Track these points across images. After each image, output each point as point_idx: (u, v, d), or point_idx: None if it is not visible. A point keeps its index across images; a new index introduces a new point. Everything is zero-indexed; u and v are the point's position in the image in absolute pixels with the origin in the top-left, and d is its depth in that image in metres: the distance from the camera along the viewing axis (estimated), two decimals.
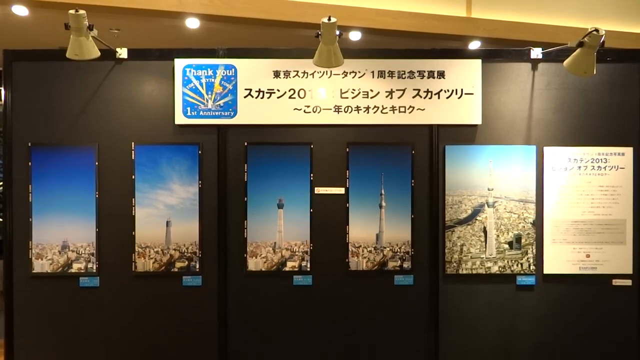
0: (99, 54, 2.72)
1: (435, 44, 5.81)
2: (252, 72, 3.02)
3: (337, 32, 2.58)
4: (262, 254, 3.00)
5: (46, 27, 5.02)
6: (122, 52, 3.02)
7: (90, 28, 2.64)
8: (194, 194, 3.00)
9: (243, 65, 3.02)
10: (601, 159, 3.04)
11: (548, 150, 3.05)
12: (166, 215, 3.00)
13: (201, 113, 3.01)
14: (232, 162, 3.03)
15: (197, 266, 3.00)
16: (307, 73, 3.03)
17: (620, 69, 3.10)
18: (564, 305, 3.04)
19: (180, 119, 3.00)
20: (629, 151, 3.05)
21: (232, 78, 3.02)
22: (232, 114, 3.01)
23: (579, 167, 3.04)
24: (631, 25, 6.73)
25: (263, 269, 3.01)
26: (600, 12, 6.61)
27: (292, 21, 4.58)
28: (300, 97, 3.03)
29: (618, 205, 3.03)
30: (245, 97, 3.01)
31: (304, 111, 3.02)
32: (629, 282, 3.01)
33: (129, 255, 2.99)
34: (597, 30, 2.60)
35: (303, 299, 3.02)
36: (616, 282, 3.02)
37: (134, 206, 2.99)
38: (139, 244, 2.99)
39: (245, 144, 3.02)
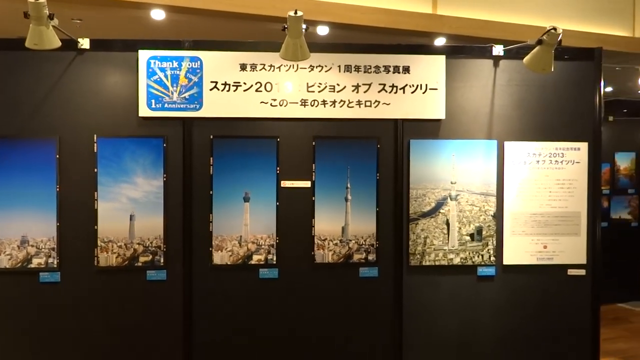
0: (59, 43, 2.65)
1: (402, 40, 5.88)
2: (218, 64, 3.00)
3: (304, 26, 2.58)
4: (228, 247, 3.00)
5: (5, 15, 4.85)
6: (84, 43, 2.95)
7: (50, 17, 2.57)
8: (158, 188, 2.97)
9: (209, 58, 3.00)
10: (558, 154, 3.15)
11: (508, 145, 3.14)
12: (130, 209, 2.96)
13: (166, 105, 2.97)
14: (197, 155, 3.00)
15: (162, 260, 2.98)
16: (274, 66, 3.03)
17: (578, 67, 3.21)
18: (522, 294, 3.14)
19: (144, 111, 2.96)
20: (584, 146, 3.17)
21: (198, 70, 2.99)
22: (198, 106, 2.99)
23: (538, 161, 3.14)
24: (590, 26, 6.94)
25: (229, 263, 3.00)
26: (562, 12, 6.81)
27: (260, 14, 4.56)
28: (267, 91, 3.03)
29: (573, 198, 3.15)
30: (211, 89, 2.99)
31: (271, 104, 3.02)
32: (582, 272, 3.14)
33: (91, 249, 2.94)
34: (555, 29, 2.68)
35: (269, 292, 3.03)
36: (571, 272, 3.14)
37: (97, 200, 2.94)
38: (102, 238, 2.94)
39: (211, 137, 3.00)
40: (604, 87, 10.51)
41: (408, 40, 6.07)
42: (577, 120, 3.18)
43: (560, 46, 3.08)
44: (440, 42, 6.22)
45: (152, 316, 2.99)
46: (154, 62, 2.98)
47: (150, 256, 2.97)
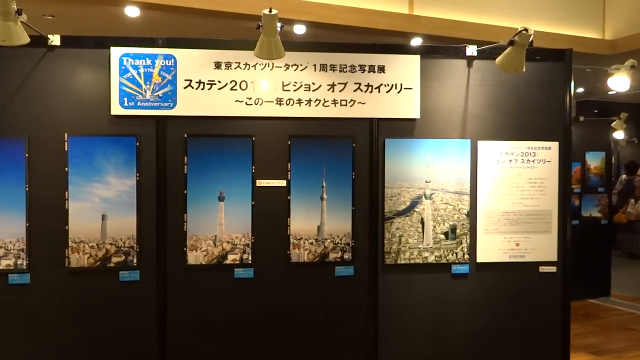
0: (28, 39, 2.59)
1: (378, 40, 5.92)
2: (192, 62, 2.97)
3: (279, 25, 2.57)
4: (203, 247, 2.97)
5: None
6: (55, 39, 2.89)
7: (19, 12, 2.50)
8: (131, 187, 2.93)
9: (183, 56, 2.96)
10: (530, 153, 3.20)
11: (482, 144, 3.18)
12: (102, 208, 2.91)
13: (139, 104, 2.93)
14: (171, 154, 2.97)
15: (135, 261, 2.93)
16: (249, 65, 3.01)
17: (549, 68, 3.27)
18: (495, 292, 3.19)
19: (116, 109, 2.91)
20: (555, 145, 3.23)
21: (172, 68, 2.96)
22: (172, 105, 2.95)
23: (510, 160, 3.19)
24: (561, 27, 7.08)
25: (203, 263, 2.97)
26: (534, 14, 6.93)
27: (235, 12, 4.54)
28: (242, 89, 3.01)
29: (545, 196, 3.21)
30: (185, 87, 2.96)
31: (246, 103, 3.01)
32: (553, 269, 3.20)
33: (62, 250, 2.88)
34: (526, 30, 2.73)
35: (244, 292, 3.01)
36: (542, 269, 3.20)
37: (67, 200, 2.88)
38: (73, 238, 2.89)
39: (185, 135, 2.97)
40: (575, 88, 10.75)
41: (385, 39, 6.11)
42: (548, 120, 3.24)
43: (532, 47, 3.14)
44: (416, 42, 6.27)
45: (125, 318, 2.94)
46: (127, 60, 2.93)
47: (123, 257, 2.93)
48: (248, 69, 3.01)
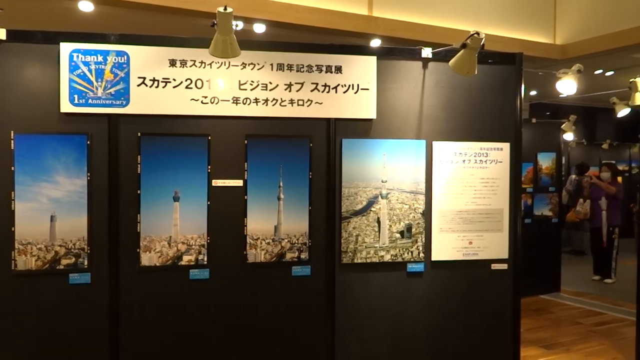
0: None
1: (338, 40, 5.95)
2: (146, 60, 2.91)
3: (235, 23, 2.55)
4: (157, 248, 2.91)
5: None
6: (0, 34, 2.77)
7: None
8: (81, 187, 2.84)
9: (136, 53, 2.90)
10: (483, 153, 3.29)
11: (436, 145, 3.24)
12: (50, 209, 2.81)
13: (90, 101, 2.85)
14: (124, 153, 2.90)
15: (86, 263, 2.85)
16: (205, 63, 2.97)
17: (501, 71, 3.36)
18: (450, 289, 3.26)
19: (66, 106, 2.82)
20: (506, 146, 3.32)
21: (125, 65, 2.89)
22: (125, 102, 2.88)
23: (464, 160, 3.27)
24: (515, 32, 7.29)
25: (157, 264, 2.92)
26: (490, 18, 7.11)
27: (192, 9, 4.47)
28: (198, 88, 2.97)
29: (497, 196, 3.30)
30: (138, 85, 2.90)
31: (202, 102, 2.97)
32: (505, 266, 3.29)
33: (8, 252, 2.77)
34: (478, 33, 2.80)
35: (200, 293, 2.97)
36: (494, 266, 3.28)
37: (14, 200, 2.77)
38: (20, 240, 2.78)
39: (139, 134, 2.91)
40: (528, 91, 11.08)
41: (345, 40, 6.15)
42: (500, 121, 3.33)
43: (484, 50, 3.21)
44: (375, 43, 6.34)
45: (75, 322, 2.85)
46: (77, 56, 2.84)
47: (73, 259, 2.84)
48: (204, 68, 2.97)
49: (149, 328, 2.93)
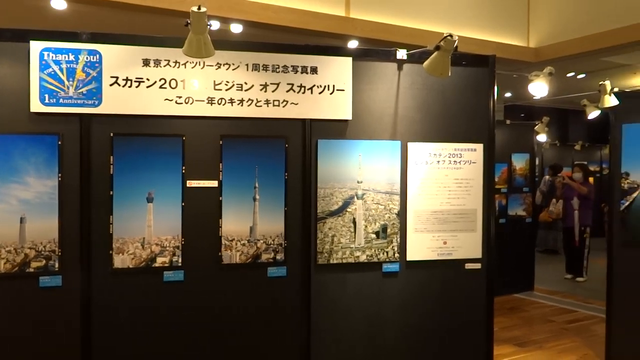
0: None
1: (315, 41, 5.96)
2: (119, 59, 2.87)
3: (209, 22, 2.53)
4: (130, 250, 2.87)
5: None
6: None
7: None
8: (52, 188, 2.79)
9: (109, 52, 2.86)
10: (457, 154, 3.33)
11: (411, 146, 3.27)
12: (20, 211, 2.75)
13: (61, 101, 2.80)
14: (96, 153, 2.85)
15: (57, 265, 2.80)
16: (179, 63, 2.94)
17: (475, 73, 3.40)
18: (424, 289, 3.29)
19: (36, 106, 2.76)
20: (480, 147, 3.37)
21: (97, 64, 2.85)
22: (97, 102, 2.84)
23: (438, 161, 3.30)
24: (490, 35, 7.40)
25: (131, 266, 2.88)
26: (465, 21, 7.20)
27: (166, 8, 4.42)
28: (172, 88, 2.94)
29: (470, 196, 3.34)
30: (111, 85, 2.86)
31: (176, 102, 2.94)
32: (478, 266, 3.33)
33: None
34: (451, 35, 2.83)
35: (174, 295, 2.94)
36: (468, 266, 3.33)
37: None
38: None
39: (112, 134, 2.87)
40: (502, 93, 11.23)
41: (322, 41, 6.16)
42: (474, 122, 3.37)
43: (458, 52, 3.26)
44: (352, 44, 6.36)
45: (46, 326, 2.80)
46: (48, 55, 2.79)
47: (44, 261, 2.79)
48: (178, 67, 2.94)
49: (122, 331, 2.89)
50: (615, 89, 4.32)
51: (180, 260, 2.94)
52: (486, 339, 3.36)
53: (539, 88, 4.07)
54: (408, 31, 6.60)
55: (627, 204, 4.25)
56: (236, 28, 6.08)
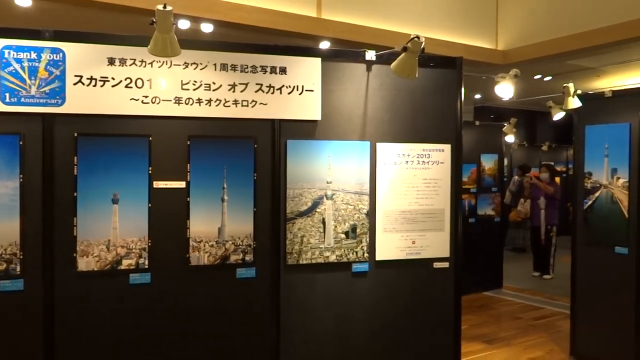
0: None
1: (287, 41, 5.94)
2: (83, 57, 2.81)
3: (174, 21, 2.50)
4: (95, 252, 2.82)
5: None
6: None
7: None
8: (13, 189, 2.71)
9: (73, 50, 2.80)
10: (425, 155, 3.36)
11: (380, 146, 3.29)
12: None
13: (23, 100, 2.73)
14: (59, 154, 2.79)
15: (18, 269, 2.72)
16: (145, 62, 2.90)
17: (443, 75, 3.44)
18: (393, 288, 3.31)
19: None
20: (447, 148, 3.41)
21: (60, 63, 2.78)
22: (60, 102, 2.77)
23: (407, 161, 3.33)
24: (459, 37, 7.51)
25: (95, 269, 2.82)
26: (436, 23, 7.30)
27: (133, 6, 4.35)
28: (138, 87, 2.89)
29: (438, 196, 3.38)
30: (75, 84, 2.80)
31: (142, 102, 2.89)
32: (446, 265, 3.38)
33: None
34: (418, 37, 2.86)
35: (140, 298, 2.89)
36: (436, 264, 3.37)
37: None
38: None
39: (75, 134, 2.81)
40: (471, 94, 11.40)
41: (293, 42, 6.15)
42: (442, 123, 3.42)
43: (426, 54, 3.30)
44: (324, 45, 6.38)
45: (7, 331, 2.72)
46: (9, 52, 2.72)
47: (5, 264, 2.71)
48: (144, 66, 2.90)
49: (87, 336, 2.83)
50: (579, 91, 4.45)
51: (146, 263, 2.89)
52: (454, 336, 3.40)
53: (505, 90, 4.16)
54: (379, 32, 6.64)
55: (589, 203, 4.37)
56: (207, 28, 6.02)
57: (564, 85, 4.36)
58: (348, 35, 6.39)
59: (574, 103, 4.36)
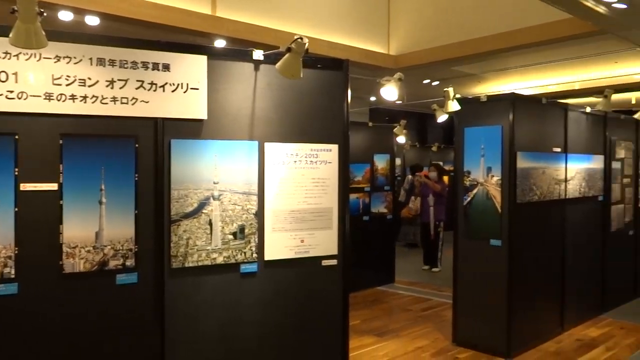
0: None
1: (181, 39, 5.76)
2: None
3: (39, 10, 2.31)
4: None
5: None
6: None
7: None
8: None
9: None
10: (313, 154, 3.42)
11: (269, 146, 3.29)
12: None
13: None
14: None
15: None
16: (10, 54, 2.66)
17: (331, 76, 3.52)
18: (283, 287, 3.33)
19: None
20: (335, 148, 3.49)
21: None
22: None
23: (295, 161, 3.37)
24: (356, 41, 7.74)
25: None
26: (333, 26, 7.45)
27: None
28: (2, 81, 2.65)
29: (327, 195, 3.45)
30: None
31: (7, 97, 2.65)
32: (334, 262, 3.46)
33: None
34: (301, 38, 2.90)
35: (6, 311, 2.64)
36: (325, 262, 3.43)
37: None
38: None
39: None
40: (369, 97, 11.77)
41: (188, 39, 5.97)
42: (329, 123, 3.49)
43: (313, 55, 3.35)
44: (220, 43, 6.26)
45: None
46: None
47: None
48: (9, 59, 2.66)
49: None
50: (458, 96, 4.76)
51: (13, 272, 2.66)
52: (342, 332, 3.49)
53: (389, 92, 4.34)
54: (276, 33, 6.66)
55: (468, 199, 4.70)
56: (93, 21, 5.68)
57: (445, 89, 4.65)
58: (243, 34, 6.34)
59: (453, 106, 4.66)
